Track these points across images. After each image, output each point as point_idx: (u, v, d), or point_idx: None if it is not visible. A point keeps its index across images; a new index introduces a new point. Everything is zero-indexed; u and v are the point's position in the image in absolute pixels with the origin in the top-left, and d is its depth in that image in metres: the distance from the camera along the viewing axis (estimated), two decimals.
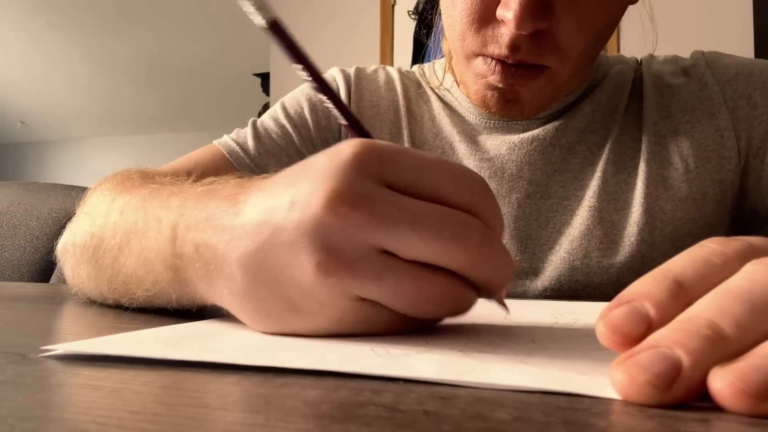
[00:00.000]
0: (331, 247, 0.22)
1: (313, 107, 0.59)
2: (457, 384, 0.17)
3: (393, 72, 0.63)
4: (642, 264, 0.49)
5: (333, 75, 0.62)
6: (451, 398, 0.16)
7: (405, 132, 0.57)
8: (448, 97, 0.59)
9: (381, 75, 0.62)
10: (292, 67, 0.28)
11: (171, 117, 5.72)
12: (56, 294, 0.50)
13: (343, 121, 0.29)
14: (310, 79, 0.28)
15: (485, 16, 0.45)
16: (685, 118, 0.52)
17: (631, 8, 0.52)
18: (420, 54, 2.03)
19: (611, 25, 0.48)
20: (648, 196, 0.50)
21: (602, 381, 0.17)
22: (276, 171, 0.26)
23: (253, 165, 0.56)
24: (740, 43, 1.83)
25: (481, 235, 0.23)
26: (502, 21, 0.44)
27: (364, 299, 0.23)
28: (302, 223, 0.22)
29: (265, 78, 3.58)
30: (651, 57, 0.58)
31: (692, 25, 1.88)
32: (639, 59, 0.58)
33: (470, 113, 0.57)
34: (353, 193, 0.21)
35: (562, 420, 0.14)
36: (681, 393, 0.15)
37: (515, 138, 0.54)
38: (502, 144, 0.54)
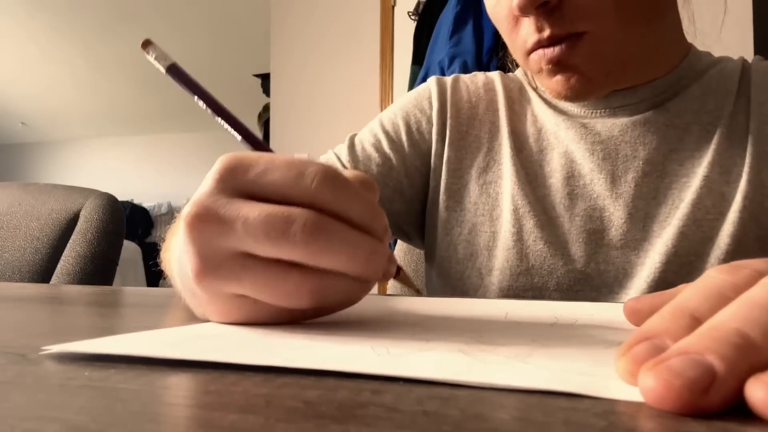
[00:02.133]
0: (200, 255, 0.25)
1: (406, 115, 0.64)
2: (457, 383, 0.17)
3: (493, 75, 0.66)
4: (743, 233, 0.50)
5: (428, 83, 0.66)
6: (451, 398, 0.16)
7: (506, 129, 0.60)
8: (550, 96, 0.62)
9: (481, 78, 0.66)
10: (194, 100, 0.34)
11: (171, 117, 5.73)
12: (56, 294, 0.50)
13: (239, 137, 0.33)
14: (206, 108, 0.33)
15: (515, 21, 0.51)
16: None
17: None
18: (420, 54, 2.03)
19: None
20: (753, 168, 0.52)
21: (602, 381, 0.17)
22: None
23: None
24: (740, 43, 1.83)
25: (312, 227, 0.24)
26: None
27: (242, 295, 0.26)
28: (182, 236, 0.26)
29: (265, 78, 3.58)
30: (761, 58, 0.60)
31: (691, 24, 1.87)
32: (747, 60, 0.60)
33: (574, 107, 0.59)
34: (204, 209, 0.25)
35: (562, 420, 0.14)
36: (717, 400, 0.14)
37: (626, 120, 0.56)
38: (613, 126, 0.56)
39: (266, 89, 3.51)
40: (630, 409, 0.15)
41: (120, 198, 1.11)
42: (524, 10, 0.47)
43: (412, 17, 2.28)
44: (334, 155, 0.64)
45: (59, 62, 4.93)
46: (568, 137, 0.57)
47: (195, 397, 0.16)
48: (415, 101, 0.65)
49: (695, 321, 0.18)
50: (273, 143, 2.77)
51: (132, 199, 5.84)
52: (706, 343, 0.15)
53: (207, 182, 0.26)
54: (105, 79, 5.15)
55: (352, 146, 0.63)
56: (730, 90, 0.56)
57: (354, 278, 0.26)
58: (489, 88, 0.64)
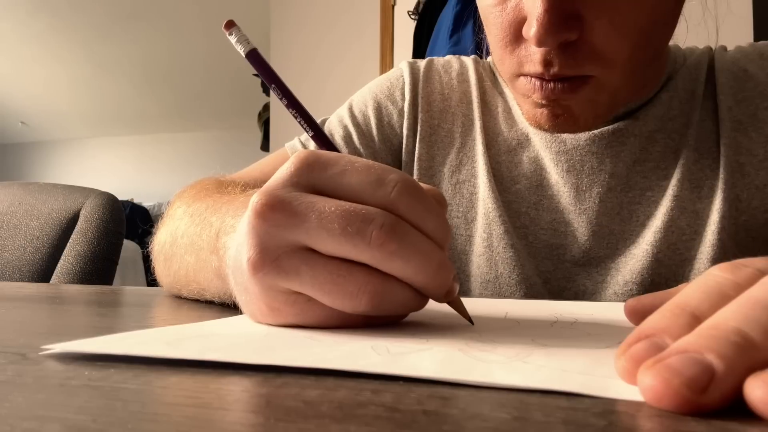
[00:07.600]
0: (260, 246, 0.25)
1: (377, 106, 0.60)
2: (457, 383, 0.17)
3: (468, 62, 0.62)
4: (723, 254, 0.47)
5: (401, 69, 0.62)
6: (451, 398, 0.16)
7: (478, 124, 0.57)
8: None
9: (455, 66, 0.62)
10: (270, 88, 0.33)
11: (171, 117, 5.72)
12: (56, 294, 0.50)
13: (311, 133, 0.33)
14: (281, 97, 0.33)
15: (516, 37, 0.45)
16: (764, 104, 0.50)
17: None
18: (420, 53, 2.03)
19: (663, 19, 0.45)
20: (726, 182, 0.48)
21: (602, 381, 0.17)
22: None
23: None
24: (740, 43, 1.83)
25: (389, 229, 0.24)
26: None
27: (296, 292, 0.25)
28: (243, 226, 0.26)
29: None
30: (723, 47, 0.56)
31: (690, 24, 1.87)
32: (712, 48, 0.56)
33: None
34: (276, 199, 0.25)
35: (562, 420, 0.14)
36: (715, 398, 0.14)
37: (594, 130, 0.52)
38: (580, 135, 0.52)
39: (266, 89, 3.51)
40: (630, 409, 0.15)
41: (120, 197, 1.11)
42: (542, 44, 0.41)
43: (412, 17, 2.28)
44: (300, 143, 0.60)
45: (59, 62, 4.92)
46: (536, 142, 0.54)
47: (195, 396, 0.16)
48: (387, 90, 0.61)
49: (695, 319, 0.17)
50: (273, 143, 2.77)
51: (132, 199, 5.83)
52: (706, 342, 0.15)
53: (281, 174, 0.26)
54: (105, 78, 5.15)
55: None
56: (696, 92, 0.52)
57: (415, 290, 0.26)
58: (463, 78, 0.60)
